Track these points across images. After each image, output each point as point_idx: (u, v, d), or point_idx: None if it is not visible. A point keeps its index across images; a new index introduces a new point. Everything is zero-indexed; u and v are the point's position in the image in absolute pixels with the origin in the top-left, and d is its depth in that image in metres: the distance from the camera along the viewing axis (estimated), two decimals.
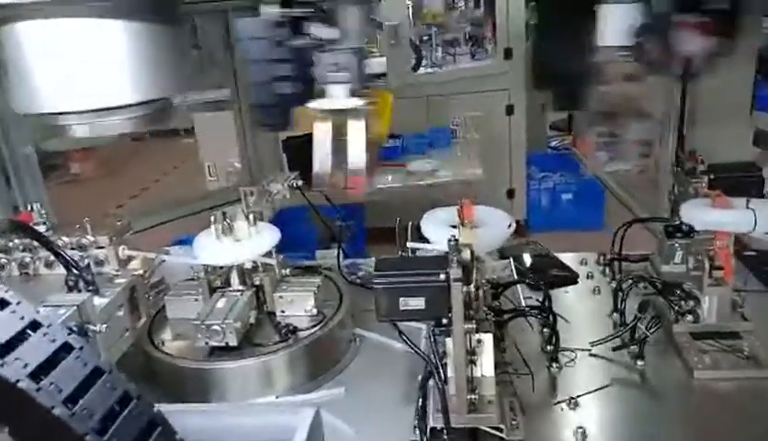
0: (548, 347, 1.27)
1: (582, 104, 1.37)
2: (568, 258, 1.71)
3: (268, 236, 1.29)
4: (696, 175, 1.36)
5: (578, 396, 1.16)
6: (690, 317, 1.29)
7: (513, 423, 1.08)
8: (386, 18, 4.17)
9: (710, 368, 1.20)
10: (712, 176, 1.34)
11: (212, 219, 1.22)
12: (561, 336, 1.31)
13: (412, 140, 3.58)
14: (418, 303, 1.02)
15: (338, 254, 1.68)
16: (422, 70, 4.23)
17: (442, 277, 0.98)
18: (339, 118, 1.15)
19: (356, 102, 1.12)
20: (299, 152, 3.21)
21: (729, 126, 1.62)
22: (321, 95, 1.13)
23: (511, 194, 4.29)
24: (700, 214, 1.25)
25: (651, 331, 1.22)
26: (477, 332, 1.06)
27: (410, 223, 1.49)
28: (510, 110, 4.14)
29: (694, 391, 1.18)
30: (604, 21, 1.33)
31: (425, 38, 4.53)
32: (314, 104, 1.13)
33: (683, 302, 1.30)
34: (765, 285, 2.70)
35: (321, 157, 1.15)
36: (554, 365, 1.24)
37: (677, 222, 1.43)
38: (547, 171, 4.57)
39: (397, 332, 1.07)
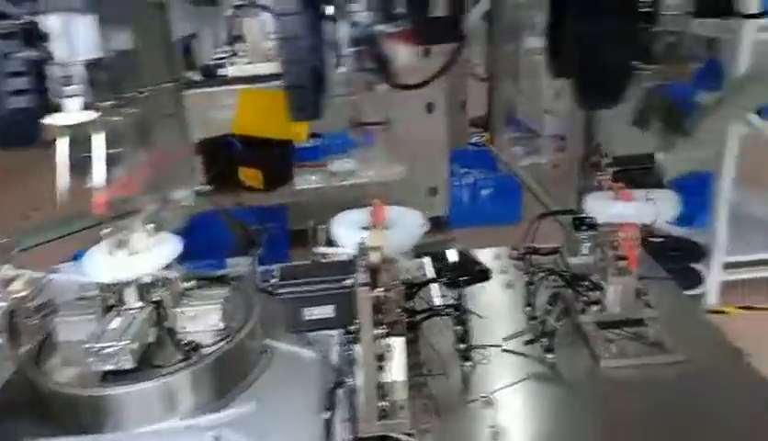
0: (461, 346, 1.26)
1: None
2: (482, 254, 1.72)
3: (168, 247, 1.22)
4: (601, 168, 1.39)
5: (491, 393, 1.16)
6: (596, 307, 1.31)
7: (426, 426, 1.07)
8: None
9: (616, 357, 1.24)
10: (616, 169, 1.38)
11: (103, 232, 1.14)
12: (476, 333, 1.32)
13: (333, 139, 3.54)
14: (325, 312, 0.99)
15: (254, 260, 1.61)
16: (342, 69, 4.18)
17: (348, 282, 0.96)
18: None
19: (90, 115, 1.04)
20: (216, 153, 3.12)
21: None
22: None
23: (433, 191, 4.31)
24: (603, 207, 1.27)
25: (560, 323, 1.23)
26: (387, 336, 1.03)
27: (319, 227, 1.45)
28: (430, 108, 4.15)
29: (601, 380, 1.21)
30: None
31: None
32: (48, 119, 1.05)
33: (589, 293, 1.32)
34: (668, 272, 2.85)
35: (62, 173, 1.06)
36: (467, 363, 1.24)
37: (583, 215, 1.46)
38: (468, 167, 4.64)
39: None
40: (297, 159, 3.27)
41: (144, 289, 1.23)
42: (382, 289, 0.98)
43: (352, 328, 0.98)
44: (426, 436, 1.04)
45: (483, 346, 1.29)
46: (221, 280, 1.40)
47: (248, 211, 3.37)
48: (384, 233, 1.14)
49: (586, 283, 1.35)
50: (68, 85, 0.99)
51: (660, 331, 1.28)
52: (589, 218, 1.41)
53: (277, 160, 3.12)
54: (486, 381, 1.20)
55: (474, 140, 5.70)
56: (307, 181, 3.18)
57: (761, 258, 3.32)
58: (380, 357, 1.02)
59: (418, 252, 1.71)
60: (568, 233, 1.50)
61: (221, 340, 1.21)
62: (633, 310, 1.32)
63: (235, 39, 4.29)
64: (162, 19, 2.56)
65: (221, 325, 1.22)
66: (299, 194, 3.24)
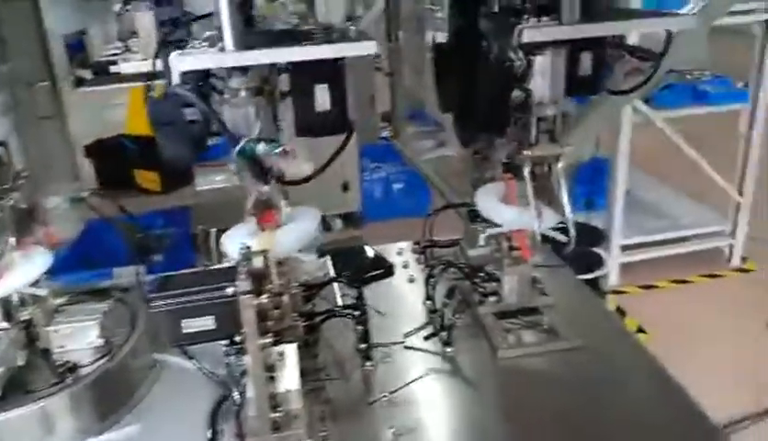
0: (362, 346, 1.23)
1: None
2: (387, 250, 1.71)
3: (37, 262, 1.11)
4: (491, 161, 1.40)
5: (392, 392, 1.14)
6: (493, 298, 1.32)
7: (324, 434, 1.03)
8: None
9: (513, 347, 1.25)
10: (505, 161, 1.38)
11: None
12: (378, 331, 1.29)
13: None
14: (206, 323, 0.93)
15: (138, 269, 1.50)
16: None
17: (230, 291, 0.90)
18: None
19: None
20: (110, 155, 2.93)
21: None
22: None
23: (345, 187, 4.28)
24: (488, 209, 1.28)
25: (458, 316, 1.23)
26: (278, 344, 0.99)
27: (212, 231, 1.38)
28: None
29: (499, 371, 1.22)
30: None
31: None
32: None
33: (486, 284, 1.33)
34: (571, 256, 2.95)
35: None
36: (368, 363, 1.21)
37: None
38: (379, 162, 4.64)
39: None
40: (197, 158, 3.13)
41: (12, 309, 1.12)
42: (266, 296, 0.93)
43: (238, 339, 0.92)
44: None
45: (384, 345, 1.26)
46: (103, 293, 1.31)
47: (148, 216, 3.21)
48: (272, 236, 1.09)
49: (482, 274, 1.35)
50: None
51: (554, 318, 1.30)
52: None
53: (177, 160, 2.97)
54: (387, 380, 1.18)
55: (384, 134, 5.71)
56: (209, 181, 3.04)
57: (655, 240, 3.53)
58: (271, 367, 0.97)
59: (321, 251, 1.67)
60: (466, 226, 1.51)
61: (102, 358, 1.12)
62: (529, 298, 1.33)
63: (130, 34, 4.08)
64: (34, 14, 2.37)
65: (101, 342, 1.14)
66: (201, 195, 3.10)
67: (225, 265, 1.10)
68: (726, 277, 3.51)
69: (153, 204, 2.95)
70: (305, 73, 0.95)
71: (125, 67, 3.50)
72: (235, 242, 1.01)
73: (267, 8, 4.52)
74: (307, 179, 1.10)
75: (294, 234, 1.17)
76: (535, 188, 1.18)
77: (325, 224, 4.38)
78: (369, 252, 1.67)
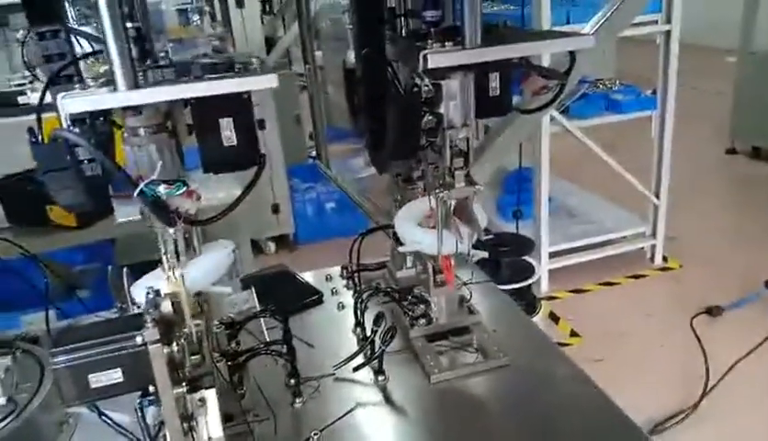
0: (291, 381, 1.19)
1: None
2: (314, 276, 1.67)
3: None
4: (412, 181, 1.40)
5: (322, 429, 1.10)
6: (423, 320, 1.31)
7: None
8: None
9: (445, 370, 1.24)
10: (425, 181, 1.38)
11: None
12: (307, 364, 1.26)
13: None
14: (114, 376, 0.87)
15: (46, 316, 1.41)
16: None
17: (138, 340, 0.84)
18: None
19: None
20: (19, 193, 2.76)
21: None
22: None
23: (276, 209, 4.22)
24: (405, 232, 1.27)
25: (387, 344, 1.21)
26: (196, 390, 0.94)
27: (124, 269, 1.31)
28: (261, 125, 4.05)
29: (433, 396, 1.20)
30: None
31: (162, 54, 4.23)
32: None
33: (415, 307, 1.32)
34: (497, 271, 2.99)
35: None
36: (297, 400, 1.17)
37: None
38: (310, 182, 4.59)
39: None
40: (115, 189, 2.99)
41: None
42: (178, 342, 0.88)
43: (151, 389, 0.87)
44: None
45: (313, 378, 1.23)
46: (6, 344, 1.21)
47: (66, 252, 3.04)
48: (179, 276, 1.03)
49: (410, 297, 1.34)
50: None
51: (483, 336, 1.30)
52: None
53: (91, 192, 2.82)
54: (318, 416, 1.14)
55: (314, 153, 5.67)
56: (129, 213, 2.91)
57: (581, 245, 3.64)
58: (190, 416, 0.92)
59: (245, 282, 1.62)
60: (392, 248, 1.50)
61: (6, 418, 1.03)
62: (458, 318, 1.33)
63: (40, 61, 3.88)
64: None
65: (2, 401, 1.05)
66: (122, 227, 2.96)
67: (133, 311, 1.03)
68: (650, 276, 3.65)
69: (71, 240, 2.79)
70: (208, 108, 0.91)
71: (34, 98, 3.31)
72: (142, 287, 0.96)
73: (184, 31, 4.42)
74: (213, 218, 1.05)
75: (204, 268, 1.11)
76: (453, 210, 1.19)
77: (257, 248, 4.30)
78: (296, 280, 1.63)
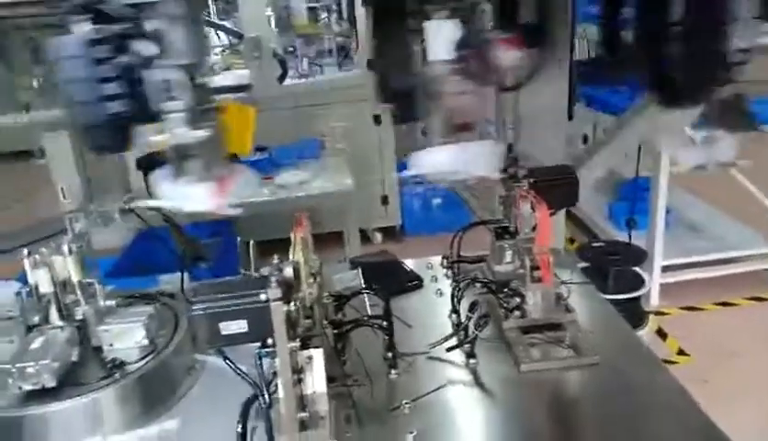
0: (388, 354, 1.29)
1: (418, 116, 1.40)
2: (417, 264, 1.77)
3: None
4: (518, 179, 1.45)
5: (414, 399, 1.19)
6: (518, 313, 1.36)
7: (348, 435, 1.10)
8: (247, 30, 4.13)
9: (536, 361, 1.28)
10: (532, 180, 1.43)
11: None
12: (404, 341, 1.35)
13: (279, 152, 3.55)
14: (240, 326, 1.01)
15: (181, 277, 1.61)
16: (288, 81, 4.22)
17: (262, 297, 0.98)
18: None
19: (196, 134, 1.06)
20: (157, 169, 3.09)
21: (548, 130, 1.74)
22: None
23: (385, 200, 4.37)
24: (423, 159, 1.31)
25: (480, 329, 1.27)
26: (306, 348, 1.06)
27: (251, 242, 1.47)
28: (378, 120, 4.21)
29: (521, 384, 1.25)
30: (431, 36, 1.36)
31: (291, 49, 4.51)
32: (156, 139, 1.07)
33: (510, 300, 1.37)
34: (612, 275, 2.92)
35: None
36: (393, 371, 1.27)
37: (506, 224, 1.52)
38: (422, 177, 4.70)
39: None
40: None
41: (67, 309, 1.23)
42: (295, 304, 1.00)
43: (269, 342, 1.00)
44: None
45: (409, 354, 1.32)
46: (149, 298, 1.41)
47: (194, 226, 3.35)
48: (302, 248, 1.16)
49: (506, 290, 1.40)
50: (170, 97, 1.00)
51: (577, 334, 1.33)
52: (512, 226, 1.47)
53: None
54: (410, 389, 1.23)
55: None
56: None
57: (697, 260, 3.47)
58: (300, 370, 1.04)
59: (354, 263, 1.75)
60: (492, 242, 1.56)
61: (146, 356, 1.21)
62: (553, 314, 1.37)
63: None
64: None
65: (146, 342, 1.23)
66: (246, 207, 3.23)
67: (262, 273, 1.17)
68: None
69: (199, 215, 3.09)
70: None
71: None
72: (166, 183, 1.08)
73: (312, 27, 4.64)
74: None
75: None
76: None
77: (365, 237, 4.46)
78: (399, 265, 1.73)
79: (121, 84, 1.02)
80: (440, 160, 1.28)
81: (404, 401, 1.18)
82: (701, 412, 1.14)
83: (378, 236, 4.40)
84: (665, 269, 3.41)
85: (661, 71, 1.12)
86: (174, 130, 1.04)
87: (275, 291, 0.96)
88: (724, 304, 3.38)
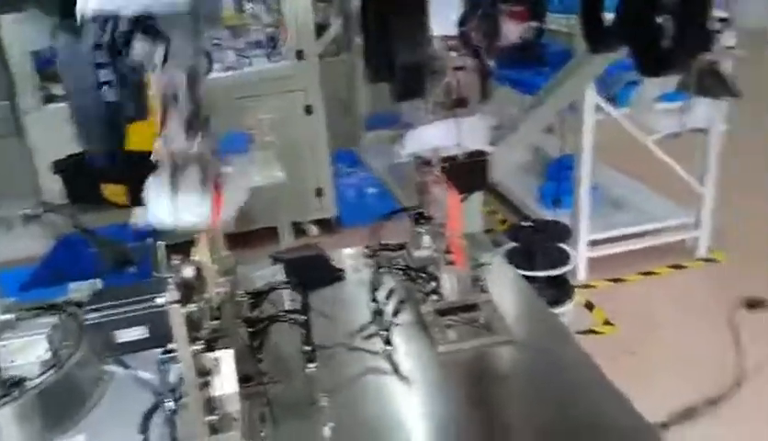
0: (306, 348, 1.28)
1: (419, 94, 1.34)
2: (340, 255, 1.76)
3: None
4: (430, 164, 1.45)
5: (331, 392, 1.18)
6: (434, 297, 1.37)
7: (262, 434, 1.08)
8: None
9: (451, 342, 1.30)
10: (443, 165, 1.43)
11: None
12: (324, 334, 1.34)
13: None
14: (140, 333, 0.98)
15: (91, 284, 1.54)
16: (214, 74, 4.10)
17: (159, 301, 0.94)
18: None
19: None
20: (77, 170, 2.96)
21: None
22: None
23: (319, 192, 4.34)
24: (409, 139, 1.31)
25: (397, 315, 1.28)
26: (212, 350, 1.03)
27: (160, 244, 1.43)
28: (309, 110, 4.17)
29: (438, 366, 1.27)
30: (432, 12, 1.29)
31: (215, 41, 4.40)
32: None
33: (427, 284, 1.38)
34: (540, 252, 2.99)
35: None
36: (310, 365, 1.26)
37: (421, 210, 1.52)
38: (353, 167, 4.69)
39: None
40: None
41: None
42: (197, 304, 0.97)
43: (171, 346, 0.97)
44: None
45: (328, 347, 1.31)
46: (55, 308, 1.35)
47: (118, 230, 3.24)
48: (208, 247, 1.13)
49: (425, 275, 1.41)
50: None
51: (491, 313, 1.36)
52: (425, 211, 1.48)
53: (142, 173, 3.00)
54: (328, 381, 1.23)
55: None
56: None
57: (621, 234, 3.60)
58: (207, 372, 1.02)
59: (275, 259, 1.72)
60: (411, 228, 1.56)
61: (47, 371, 1.16)
62: (468, 295, 1.39)
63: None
64: None
65: (48, 355, 1.18)
66: None
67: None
68: (692, 268, 3.58)
69: (122, 217, 2.98)
70: None
71: None
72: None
73: (238, 18, 4.55)
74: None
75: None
76: None
77: (300, 231, 4.42)
78: (323, 258, 1.71)
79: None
80: (436, 135, 1.26)
81: (321, 395, 1.17)
82: (613, 386, 1.17)
83: (314, 229, 4.37)
84: (591, 244, 3.53)
85: (649, 40, 1.15)
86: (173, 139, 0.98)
87: (172, 294, 0.93)
88: (647, 274, 3.52)
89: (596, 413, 1.14)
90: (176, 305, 0.93)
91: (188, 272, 1.01)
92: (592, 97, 3.25)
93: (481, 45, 1.19)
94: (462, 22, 1.16)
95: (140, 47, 0.95)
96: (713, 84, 1.23)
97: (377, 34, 1.23)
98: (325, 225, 4.42)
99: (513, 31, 1.20)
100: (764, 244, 3.64)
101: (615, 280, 3.50)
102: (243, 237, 3.01)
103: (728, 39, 1.17)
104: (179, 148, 0.99)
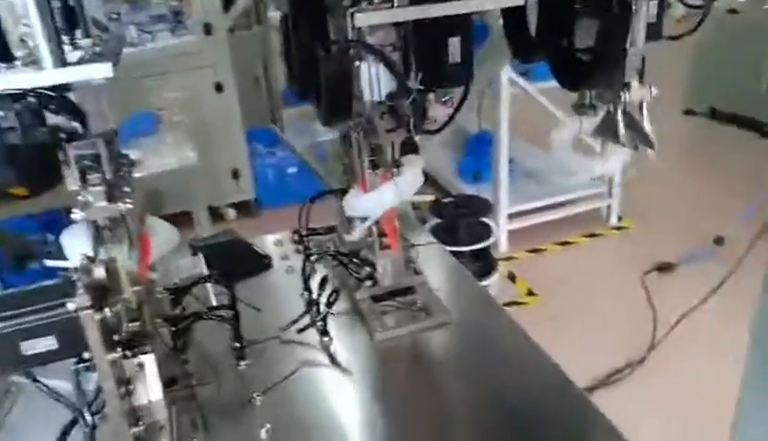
0: (236, 345, 1.20)
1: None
2: (264, 241, 1.67)
3: None
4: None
5: (265, 390, 1.12)
6: (369, 282, 1.33)
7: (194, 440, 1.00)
8: None
9: (389, 328, 1.26)
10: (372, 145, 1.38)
11: None
12: (254, 328, 1.26)
13: None
14: (48, 343, 0.87)
15: None
16: None
17: (69, 307, 0.84)
18: None
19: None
20: None
21: None
22: None
23: (236, 174, 4.17)
24: (350, 204, 1.30)
25: (332, 305, 1.22)
26: (133, 355, 0.94)
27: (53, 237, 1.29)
28: (219, 88, 3.97)
29: (377, 354, 1.23)
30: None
31: (115, 16, 4.09)
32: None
33: (361, 269, 1.34)
34: (463, 227, 3.01)
35: None
36: (241, 363, 1.19)
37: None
38: (271, 146, 4.54)
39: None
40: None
41: None
42: (113, 308, 0.88)
43: (87, 355, 0.87)
44: None
45: (259, 342, 1.24)
46: None
47: (20, 222, 2.97)
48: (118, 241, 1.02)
49: (358, 260, 1.36)
50: None
51: (427, 295, 1.33)
52: None
53: (40, 162, 2.76)
54: (262, 378, 1.16)
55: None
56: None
57: (539, 206, 3.70)
58: (128, 380, 0.92)
59: (194, 248, 1.61)
60: (341, 211, 1.50)
61: None
62: (403, 278, 1.35)
63: None
64: None
65: None
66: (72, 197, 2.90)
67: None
68: (605, 235, 3.74)
69: (22, 209, 2.74)
70: None
71: None
72: (73, 236, 0.95)
73: None
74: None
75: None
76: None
77: (217, 215, 4.25)
78: (246, 245, 1.63)
79: None
80: (375, 201, 1.26)
81: (255, 394, 1.10)
82: (544, 354, 1.18)
83: (232, 213, 4.20)
84: (511, 217, 3.60)
85: (566, 54, 1.18)
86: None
87: (82, 299, 0.83)
88: (565, 243, 3.65)
89: (530, 384, 1.15)
90: (89, 311, 0.83)
91: (100, 272, 0.91)
92: (507, 72, 3.29)
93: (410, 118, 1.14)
94: (391, 97, 1.11)
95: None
96: (630, 133, 1.26)
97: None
98: (244, 208, 4.26)
99: (441, 115, 1.18)
100: (670, 211, 3.86)
101: (535, 251, 3.60)
102: None
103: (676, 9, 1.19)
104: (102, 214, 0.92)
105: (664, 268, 3.26)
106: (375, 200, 1.25)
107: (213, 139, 3.91)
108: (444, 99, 1.13)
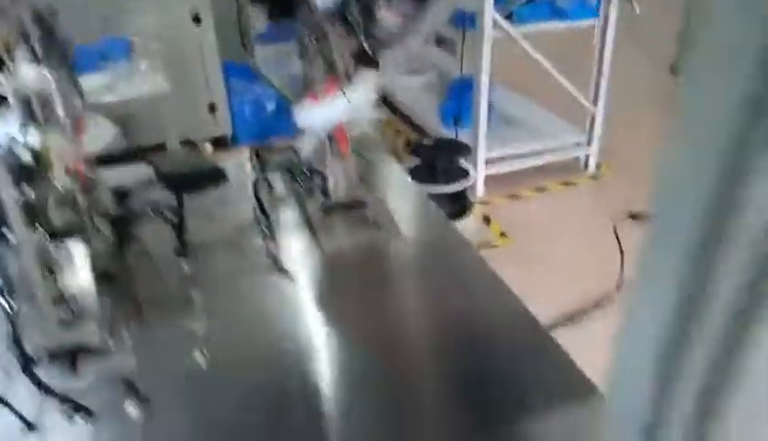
0: (179, 247, 1.19)
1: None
2: (225, 159, 1.64)
3: None
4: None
5: (207, 290, 1.11)
6: (320, 195, 1.31)
7: (126, 335, 0.99)
8: None
9: (338, 240, 1.25)
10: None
11: None
12: (201, 233, 1.25)
13: (80, 52, 3.12)
14: None
15: None
16: None
17: None
18: None
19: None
20: None
21: None
22: None
23: (212, 108, 4.09)
24: (301, 116, 1.26)
25: (280, 216, 1.21)
26: (62, 240, 0.92)
27: None
28: (197, 19, 3.86)
29: (324, 265, 1.22)
30: None
31: None
32: None
33: (312, 183, 1.31)
34: (441, 170, 2.98)
35: None
36: (183, 264, 1.17)
37: None
38: (249, 80, 4.44)
39: None
40: None
41: None
42: (34, 193, 0.85)
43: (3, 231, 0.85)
44: (126, 343, 0.96)
45: (204, 246, 1.22)
46: None
47: None
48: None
49: (308, 173, 1.33)
50: None
51: (379, 210, 1.31)
52: None
53: None
54: (204, 279, 1.14)
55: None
56: None
57: (517, 152, 3.68)
58: (52, 269, 0.91)
59: (146, 159, 1.58)
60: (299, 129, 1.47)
61: None
62: (356, 192, 1.33)
63: None
64: None
65: None
66: None
67: None
68: (582, 183, 3.74)
69: None
70: None
71: None
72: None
73: None
74: None
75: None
76: None
77: (194, 149, 4.18)
78: (201, 159, 1.59)
79: None
80: (325, 114, 1.23)
81: (195, 292, 1.09)
82: (502, 283, 1.15)
83: (208, 147, 4.13)
84: (488, 162, 3.58)
85: None
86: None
87: (5, 178, 0.80)
88: (540, 190, 3.65)
89: (483, 306, 1.13)
90: (7, 188, 0.81)
91: (25, 155, 0.88)
92: (490, 12, 3.22)
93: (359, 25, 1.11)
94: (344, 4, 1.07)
95: None
96: None
97: None
98: (220, 144, 4.20)
99: (390, 21, 1.13)
100: (649, 163, 3.85)
101: (512, 196, 3.60)
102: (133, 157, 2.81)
103: None
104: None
105: (638, 217, 3.27)
106: (325, 112, 1.22)
107: (189, 71, 3.82)
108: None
